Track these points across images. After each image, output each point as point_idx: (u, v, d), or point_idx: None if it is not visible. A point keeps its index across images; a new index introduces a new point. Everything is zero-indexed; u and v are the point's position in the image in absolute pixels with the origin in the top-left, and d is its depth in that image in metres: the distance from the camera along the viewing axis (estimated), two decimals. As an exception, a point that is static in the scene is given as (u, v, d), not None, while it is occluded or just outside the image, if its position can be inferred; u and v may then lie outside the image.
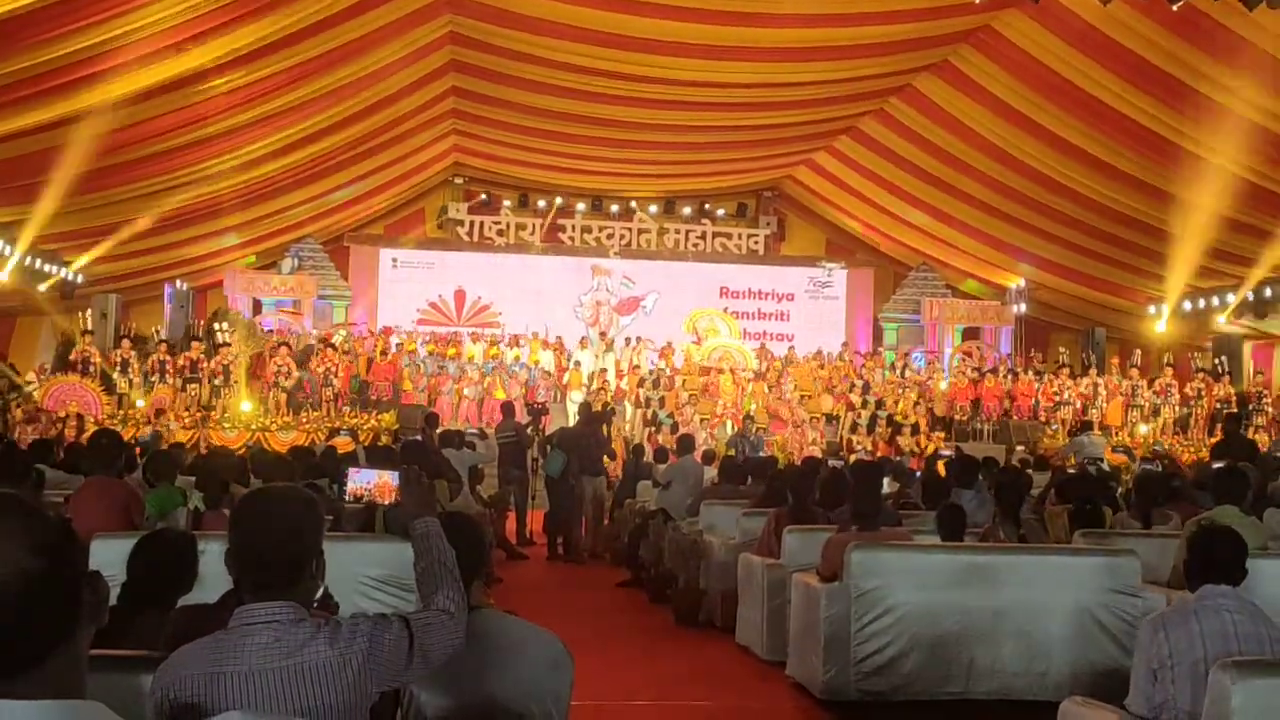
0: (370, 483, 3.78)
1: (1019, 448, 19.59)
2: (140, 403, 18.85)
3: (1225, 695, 3.77)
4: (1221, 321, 21.74)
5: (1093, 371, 22.50)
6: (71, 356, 19.57)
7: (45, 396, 18.48)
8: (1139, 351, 23.08)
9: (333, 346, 21.06)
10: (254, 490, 2.90)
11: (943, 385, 23.11)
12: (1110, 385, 22.28)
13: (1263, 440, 18.59)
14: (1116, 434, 20.69)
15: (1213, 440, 19.96)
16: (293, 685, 2.50)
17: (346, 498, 4.13)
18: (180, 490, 7.76)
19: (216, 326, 20.81)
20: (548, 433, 15.47)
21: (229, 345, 20.14)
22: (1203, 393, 21.81)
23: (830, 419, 21.84)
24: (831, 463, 12.95)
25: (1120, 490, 10.64)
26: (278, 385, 19.64)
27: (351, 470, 4.05)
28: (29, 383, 19.32)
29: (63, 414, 18.09)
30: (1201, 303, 21.53)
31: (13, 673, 1.50)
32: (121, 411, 18.49)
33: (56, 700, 1.50)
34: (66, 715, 1.49)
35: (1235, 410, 19.67)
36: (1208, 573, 4.30)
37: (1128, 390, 22.13)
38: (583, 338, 25.05)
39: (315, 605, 3.09)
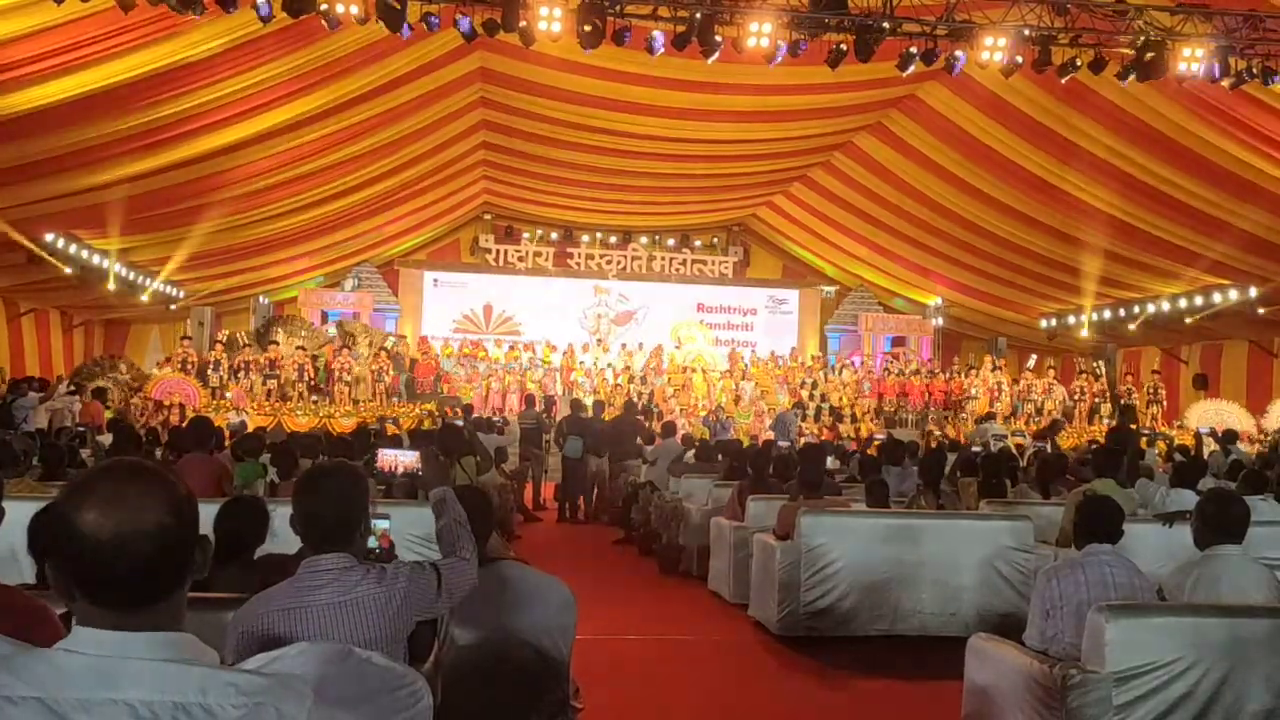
0: (397, 458, 3.78)
1: (936, 432, 19.59)
2: (229, 394, 18.81)
3: (1100, 631, 3.78)
4: (1092, 332, 21.84)
5: (996, 372, 22.51)
6: (173, 356, 19.54)
7: (154, 389, 18.41)
8: (1034, 356, 23.12)
9: (385, 350, 20.98)
10: (313, 467, 2.90)
11: (855, 381, 23.07)
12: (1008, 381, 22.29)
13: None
14: (1013, 422, 20.70)
15: (1091, 428, 20.06)
16: (349, 617, 2.52)
17: (377, 469, 4.13)
18: (262, 465, 7.75)
19: (300, 334, 20.75)
20: (557, 420, 15.43)
21: (304, 349, 20.09)
22: (1084, 390, 21.86)
23: (799, 407, 21.71)
24: (781, 443, 12.95)
25: (1020, 466, 10.65)
26: (341, 380, 19.58)
27: (381, 450, 4.06)
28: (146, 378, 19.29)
29: (168, 403, 18.03)
30: (1084, 317, 21.59)
31: (134, 608, 1.49)
32: (215, 402, 18.42)
33: (157, 631, 1.50)
34: (164, 642, 1.49)
35: (1127, 404, 19.72)
36: (1092, 533, 4.30)
37: (1023, 388, 22.16)
38: (587, 344, 25.04)
39: (378, 555, 3.10)
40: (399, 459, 3.84)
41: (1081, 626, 3.91)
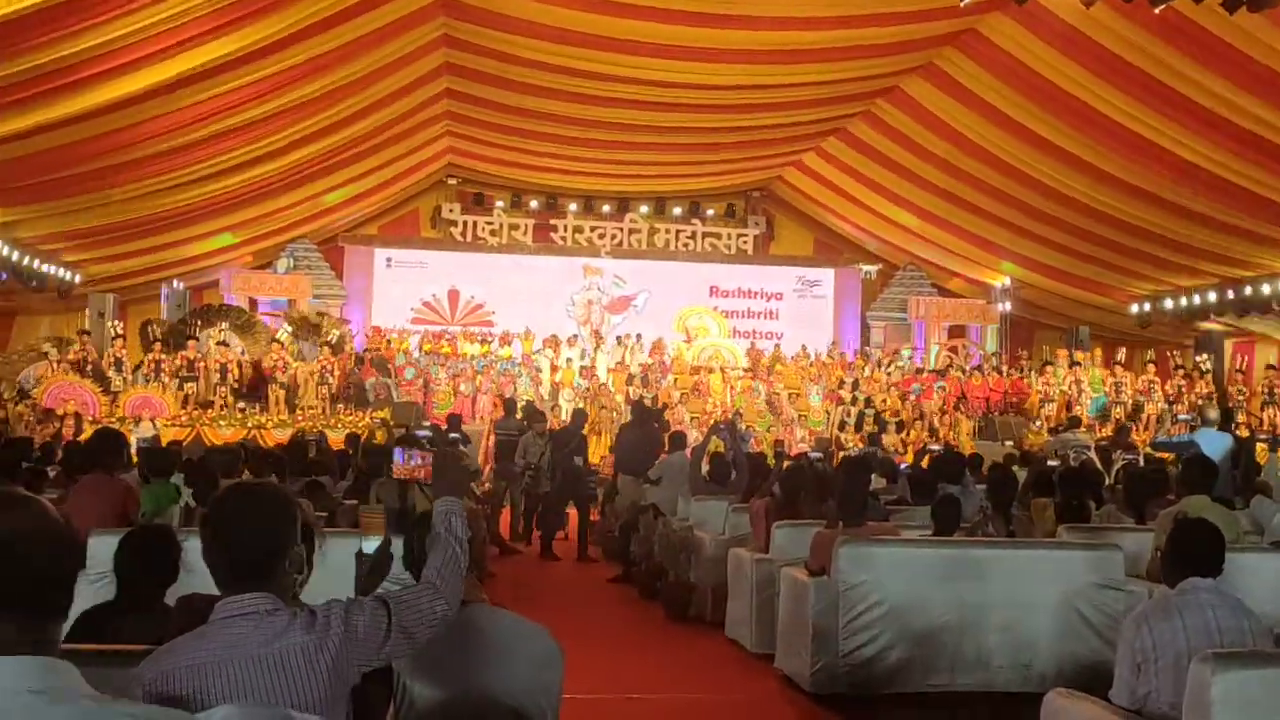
0: (414, 463, 3.85)
1: (1006, 443, 19.61)
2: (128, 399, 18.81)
3: (1205, 686, 3.76)
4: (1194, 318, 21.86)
5: (1076, 369, 22.50)
6: (70, 356, 19.51)
7: (44, 395, 18.40)
8: (1123, 350, 23.13)
9: (328, 345, 21.00)
10: (227, 489, 2.90)
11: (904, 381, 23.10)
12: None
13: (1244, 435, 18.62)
14: (1099, 429, 20.71)
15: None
16: (272, 672, 2.51)
17: (397, 475, 4.22)
18: (174, 487, 7.76)
19: (221, 327, 20.74)
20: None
21: (227, 345, 20.12)
22: (1184, 390, 21.87)
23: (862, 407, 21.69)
24: (813, 455, 12.94)
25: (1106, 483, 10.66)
26: (274, 380, 19.60)
27: (397, 450, 4.13)
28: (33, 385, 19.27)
29: (61, 413, 18.03)
30: (1183, 301, 21.60)
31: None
32: (118, 410, 18.41)
33: (33, 656, 1.72)
34: (39, 667, 1.70)
35: (1233, 406, 19.74)
36: (1188, 566, 4.30)
37: (1111, 387, 22.16)
38: (571, 336, 24.97)
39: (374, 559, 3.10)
40: (417, 463, 3.91)
41: (1182, 681, 3.90)
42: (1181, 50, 14.14)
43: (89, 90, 14.10)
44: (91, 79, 13.87)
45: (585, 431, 14.93)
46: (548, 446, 13.87)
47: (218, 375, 19.54)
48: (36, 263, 19.30)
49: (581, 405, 18.98)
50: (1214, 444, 9.96)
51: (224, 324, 21.01)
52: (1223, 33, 13.24)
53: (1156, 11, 11.67)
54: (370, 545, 3.74)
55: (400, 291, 26.31)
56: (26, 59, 12.80)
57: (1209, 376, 22.16)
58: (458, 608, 2.91)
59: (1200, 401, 20.95)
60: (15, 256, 18.41)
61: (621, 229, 26.76)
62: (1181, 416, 19.53)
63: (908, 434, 21.14)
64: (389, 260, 26.51)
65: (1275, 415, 21.02)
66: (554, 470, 13.64)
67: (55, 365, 19.20)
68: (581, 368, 23.25)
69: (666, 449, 13.59)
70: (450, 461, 3.33)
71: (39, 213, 17.86)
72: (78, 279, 21.08)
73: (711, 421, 20.82)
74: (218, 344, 20.10)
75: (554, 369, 23.44)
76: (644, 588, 10.72)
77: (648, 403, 21.04)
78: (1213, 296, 20.74)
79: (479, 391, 21.95)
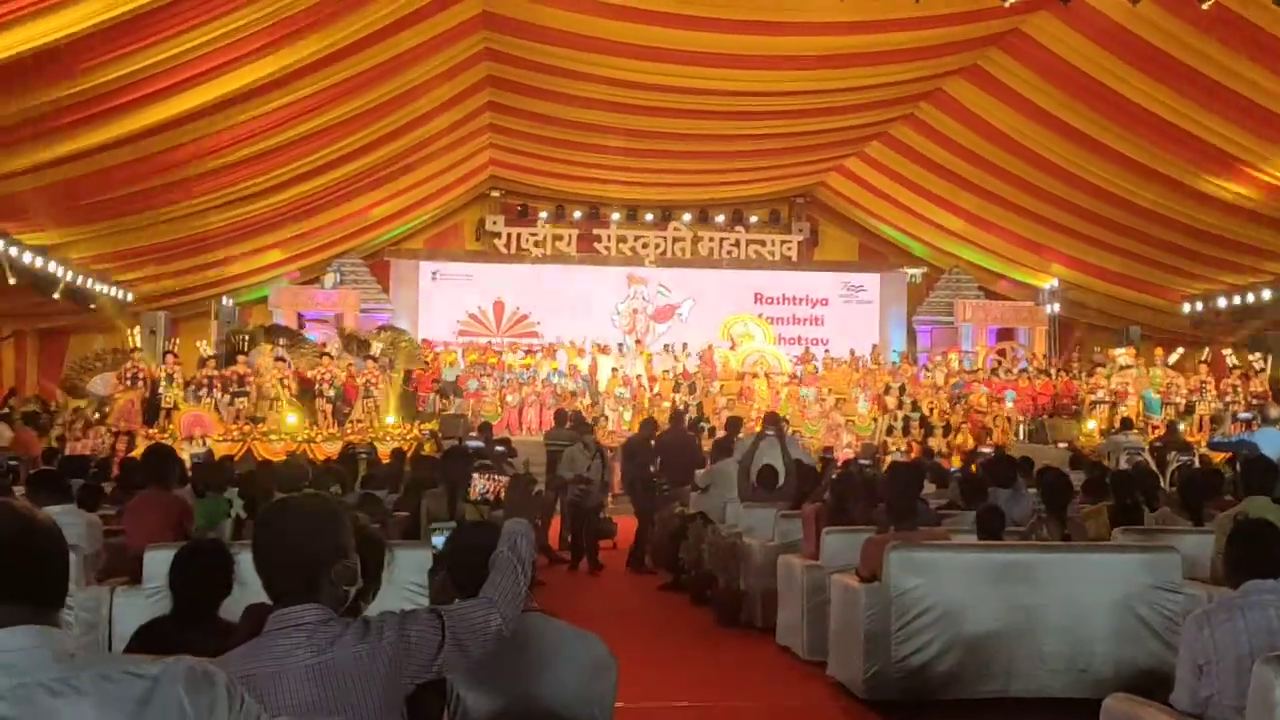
0: (490, 484, 4.07)
1: (1060, 445, 19.40)
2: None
3: (1269, 688, 3.70)
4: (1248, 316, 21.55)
5: (1127, 371, 22.22)
6: (122, 373, 19.77)
7: (116, 413, 18.61)
8: (1180, 349, 22.84)
9: (373, 359, 21.15)
10: (272, 502, 2.92)
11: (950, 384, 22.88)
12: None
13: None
14: (1153, 431, 20.43)
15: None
16: (326, 681, 2.52)
17: (473, 497, 4.49)
18: (226, 500, 7.87)
19: (279, 342, 20.92)
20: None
21: (284, 360, 20.27)
22: (1238, 389, 21.54)
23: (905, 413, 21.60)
24: (862, 462, 12.88)
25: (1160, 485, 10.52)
26: (321, 394, 19.74)
27: (475, 475, 4.35)
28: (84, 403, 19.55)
29: (114, 430, 18.26)
30: (1237, 299, 21.31)
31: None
32: (171, 426, 18.62)
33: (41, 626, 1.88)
34: (42, 633, 1.87)
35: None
36: (1250, 568, 4.23)
37: (1165, 387, 21.85)
38: (607, 345, 25.00)
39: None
40: (493, 485, 4.09)
41: (1244, 683, 3.84)
42: (1230, 45, 13.99)
43: (136, 113, 14.31)
44: (138, 101, 14.07)
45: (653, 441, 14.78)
46: (595, 457, 13.83)
47: (273, 389, 19.72)
48: (90, 282, 19.63)
49: (647, 414, 18.96)
50: (1274, 443, 9.81)
51: (283, 339, 21.24)
52: (1271, 27, 13.08)
53: (1204, 7, 11.53)
54: (440, 539, 3.80)
55: (446, 304, 26.49)
56: (74, 83, 12.99)
57: (1264, 375, 21.82)
58: (514, 625, 2.91)
59: (1257, 401, 20.66)
60: (70, 276, 18.73)
61: (665, 238, 26.79)
62: (1241, 415, 19.25)
63: (953, 437, 20.99)
64: (434, 273, 26.70)
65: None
66: (631, 482, 13.60)
67: (118, 382, 19.50)
68: (624, 376, 23.29)
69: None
70: (523, 484, 3.36)
71: (91, 233, 18.14)
72: (130, 297, 21.40)
73: (756, 426, 20.79)
74: (276, 360, 20.30)
75: (595, 378, 23.52)
76: (694, 595, 10.72)
77: (693, 412, 21.04)
78: (1267, 294, 20.45)
79: (525, 403, 22.03)
